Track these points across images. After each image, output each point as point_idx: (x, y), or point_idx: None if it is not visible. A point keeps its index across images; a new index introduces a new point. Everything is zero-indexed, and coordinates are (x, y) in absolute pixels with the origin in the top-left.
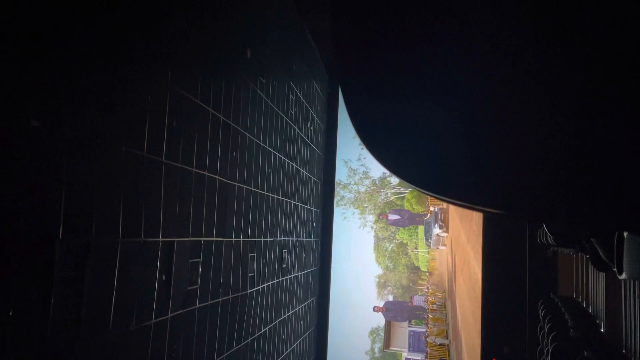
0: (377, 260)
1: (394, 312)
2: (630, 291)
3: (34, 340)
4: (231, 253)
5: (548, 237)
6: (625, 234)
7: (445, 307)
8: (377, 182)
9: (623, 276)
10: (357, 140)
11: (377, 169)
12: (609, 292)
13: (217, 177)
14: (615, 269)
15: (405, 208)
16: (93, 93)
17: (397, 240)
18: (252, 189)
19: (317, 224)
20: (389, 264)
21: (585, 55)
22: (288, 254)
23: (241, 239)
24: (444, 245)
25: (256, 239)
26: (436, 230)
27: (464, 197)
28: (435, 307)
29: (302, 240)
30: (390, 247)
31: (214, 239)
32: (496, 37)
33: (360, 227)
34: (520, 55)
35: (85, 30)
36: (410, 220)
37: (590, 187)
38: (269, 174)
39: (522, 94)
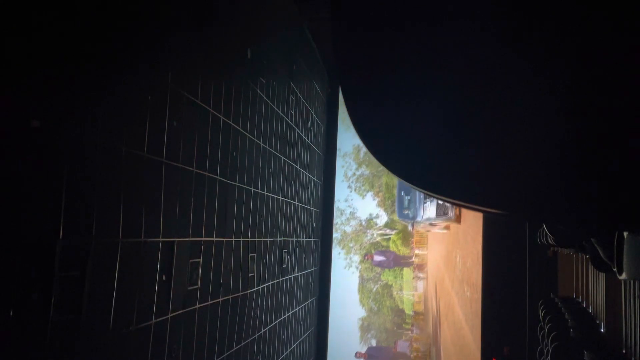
0: (361, 301)
1: (376, 358)
2: (630, 291)
3: (34, 341)
4: (231, 253)
5: (548, 237)
6: (625, 234)
7: (430, 355)
8: (363, 222)
9: (623, 276)
10: (346, 182)
11: (364, 210)
12: (609, 292)
13: (217, 177)
14: (615, 269)
15: (391, 249)
16: (93, 93)
17: (382, 281)
18: (252, 189)
19: (317, 224)
20: (373, 306)
21: (581, 52)
22: (288, 254)
23: (241, 239)
24: (447, 228)
25: (256, 239)
26: (432, 211)
27: (465, 198)
28: (419, 353)
29: (302, 241)
30: (375, 289)
31: (214, 239)
32: (492, 43)
33: (345, 268)
34: (516, 58)
35: (86, 30)
36: (395, 261)
37: (590, 187)
38: (269, 174)
39: (521, 96)
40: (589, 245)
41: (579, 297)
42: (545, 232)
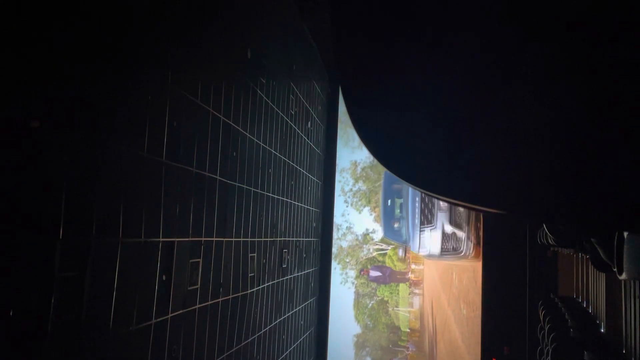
0: (356, 317)
1: None
2: (630, 291)
3: (34, 341)
4: (231, 253)
5: (548, 237)
6: (625, 234)
7: None
8: (359, 237)
9: (623, 276)
10: (342, 197)
11: (361, 225)
12: (609, 292)
13: (217, 177)
14: (615, 269)
15: (387, 265)
16: (93, 93)
17: (378, 297)
18: (252, 189)
19: (317, 224)
20: (369, 323)
21: (581, 55)
22: (288, 254)
23: (241, 239)
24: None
25: (256, 239)
26: (434, 244)
27: (465, 198)
28: None
29: (302, 241)
30: (370, 305)
31: (214, 239)
32: (493, 46)
33: (341, 283)
34: (516, 61)
35: (85, 30)
36: (391, 277)
37: (590, 187)
38: (269, 174)
39: (522, 98)
40: (589, 245)
41: (579, 297)
42: (545, 232)
